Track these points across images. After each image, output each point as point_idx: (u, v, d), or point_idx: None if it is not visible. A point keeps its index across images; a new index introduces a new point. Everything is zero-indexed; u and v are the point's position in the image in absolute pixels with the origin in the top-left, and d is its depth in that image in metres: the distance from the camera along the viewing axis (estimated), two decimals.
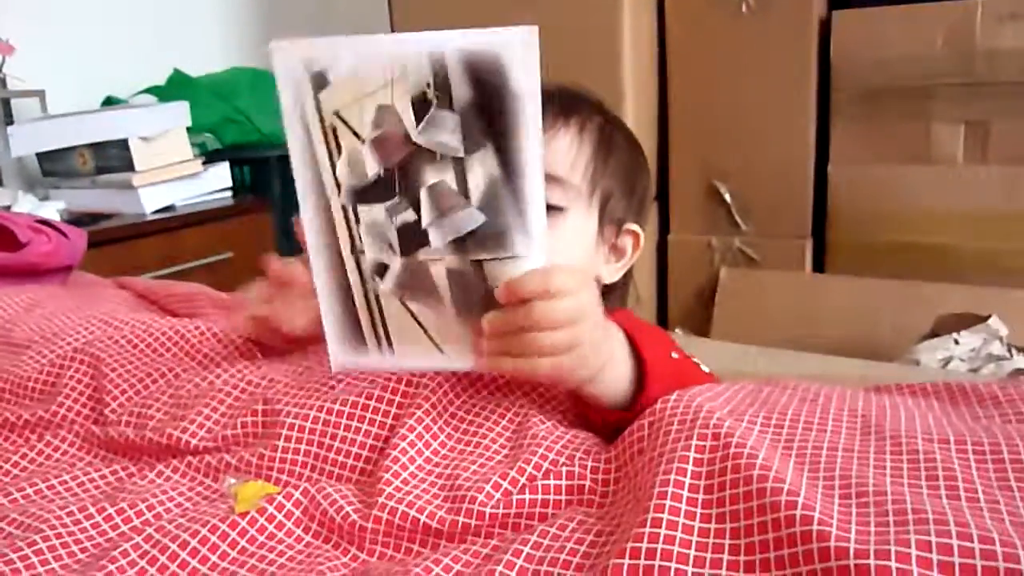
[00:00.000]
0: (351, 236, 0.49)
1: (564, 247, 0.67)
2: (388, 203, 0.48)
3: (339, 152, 0.47)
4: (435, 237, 0.48)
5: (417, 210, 0.47)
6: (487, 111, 0.44)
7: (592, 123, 0.71)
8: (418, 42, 0.44)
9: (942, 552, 0.30)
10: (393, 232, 0.48)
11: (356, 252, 0.50)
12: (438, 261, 0.49)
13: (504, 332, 0.48)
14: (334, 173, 0.48)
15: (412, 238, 0.48)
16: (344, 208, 0.49)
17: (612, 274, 0.74)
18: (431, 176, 0.47)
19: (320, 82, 0.46)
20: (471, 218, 0.47)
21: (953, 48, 1.53)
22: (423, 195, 0.47)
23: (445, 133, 0.45)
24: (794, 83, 1.65)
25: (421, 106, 0.45)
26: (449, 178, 0.47)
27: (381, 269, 0.50)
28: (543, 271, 0.47)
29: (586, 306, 0.49)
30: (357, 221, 0.49)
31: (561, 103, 0.70)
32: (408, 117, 0.45)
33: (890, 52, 1.58)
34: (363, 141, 0.46)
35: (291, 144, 0.48)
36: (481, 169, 0.46)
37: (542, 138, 0.45)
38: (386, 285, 0.50)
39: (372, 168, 0.47)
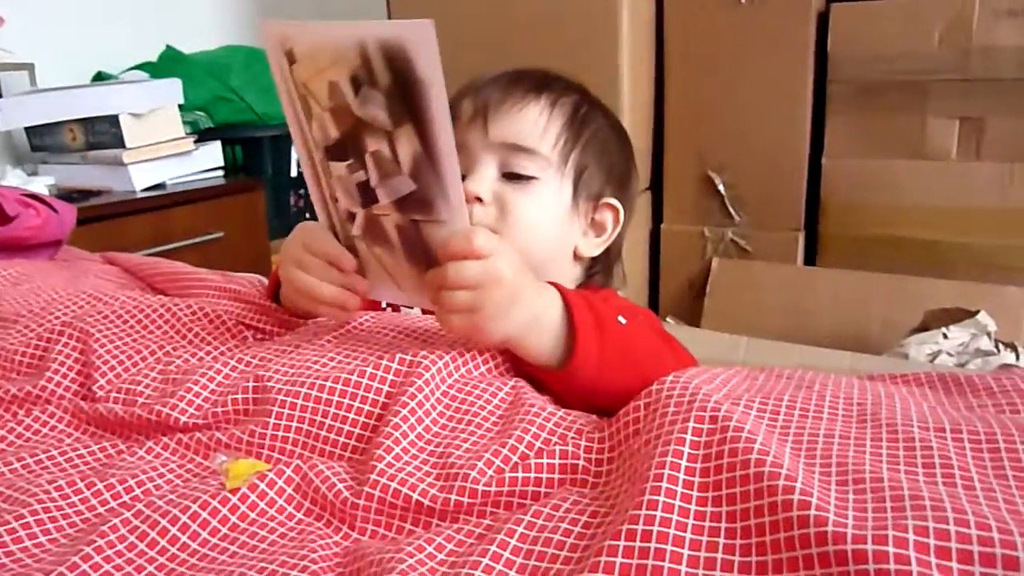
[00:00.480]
0: (328, 186, 0.57)
1: (534, 213, 0.70)
2: (347, 163, 0.54)
3: (311, 116, 0.54)
4: (381, 196, 0.54)
5: (366, 171, 0.54)
6: (403, 93, 0.49)
7: (566, 99, 0.73)
8: (351, 29, 0.50)
9: (939, 538, 0.30)
10: (353, 187, 0.55)
11: (332, 200, 0.57)
12: (387, 216, 0.55)
13: (434, 288, 0.54)
14: (311, 132, 0.55)
15: (367, 194, 0.54)
16: (321, 162, 0.56)
17: (591, 248, 0.76)
18: (371, 144, 0.52)
19: (291, 57, 0.52)
20: (404, 184, 0.53)
21: (950, 44, 1.53)
22: (368, 160, 0.53)
23: (375, 109, 0.51)
24: (790, 75, 1.64)
25: (356, 84, 0.50)
26: (384, 148, 0.52)
27: (351, 216, 0.56)
28: (467, 235, 0.52)
29: (495, 271, 0.52)
30: (328, 174, 0.56)
31: (534, 80, 0.73)
32: (348, 93, 0.51)
33: (887, 46, 1.58)
34: (324, 110, 0.53)
35: (283, 107, 0.56)
36: (407, 143, 0.51)
37: (450, 120, 0.49)
38: (355, 231, 0.57)
39: (333, 132, 0.53)
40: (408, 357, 0.54)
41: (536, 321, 0.54)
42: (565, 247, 0.74)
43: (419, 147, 0.50)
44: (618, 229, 0.76)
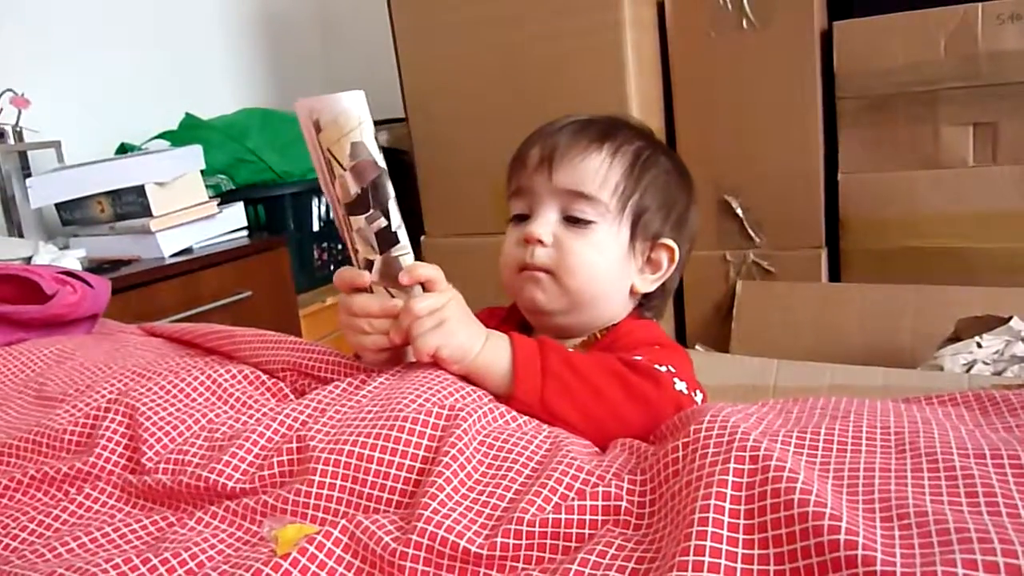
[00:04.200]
0: (351, 239, 0.64)
1: (590, 255, 0.74)
2: (367, 214, 0.62)
3: (334, 177, 0.61)
4: (402, 237, 0.63)
5: (387, 217, 0.62)
6: None
7: (628, 147, 0.77)
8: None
9: (988, 570, 0.30)
10: (372, 236, 0.62)
11: (354, 252, 0.65)
12: (405, 255, 0.63)
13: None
14: (336, 192, 0.62)
15: (386, 239, 0.62)
16: (344, 218, 0.63)
17: (647, 284, 0.79)
18: (392, 190, 0.62)
19: (318, 127, 0.60)
20: None
21: (956, 52, 1.54)
22: (391, 205, 0.62)
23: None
24: (799, 95, 1.66)
25: (377, 141, 0.61)
26: None
27: (369, 264, 0.64)
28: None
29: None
30: (351, 228, 0.63)
31: (599, 129, 0.77)
32: (373, 148, 0.60)
33: (893, 60, 1.59)
34: (345, 169, 0.60)
35: (316, 172, 0.64)
36: None
37: None
38: (372, 277, 0.64)
39: (353, 188, 0.61)
40: (444, 411, 0.55)
41: (488, 357, 0.62)
42: (621, 285, 0.78)
43: None
44: (673, 267, 0.79)
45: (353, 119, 0.59)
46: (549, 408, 0.60)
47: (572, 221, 0.74)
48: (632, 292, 0.79)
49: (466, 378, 0.62)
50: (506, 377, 0.62)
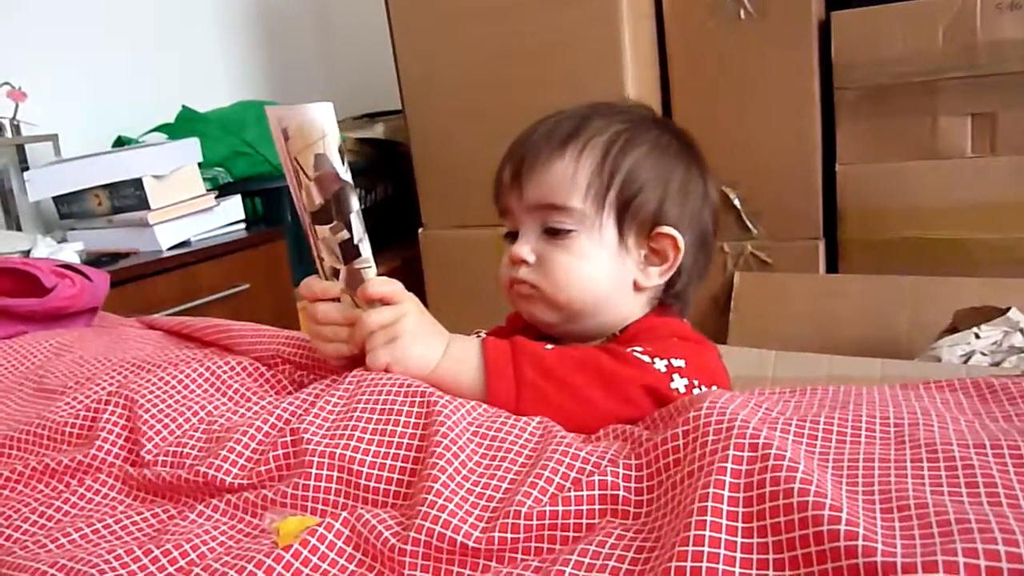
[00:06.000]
0: (316, 247, 0.65)
1: (574, 265, 0.72)
2: (330, 225, 0.62)
3: (301, 185, 0.61)
4: (364, 250, 0.63)
5: (350, 230, 0.62)
6: None
7: (599, 138, 0.73)
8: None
9: (989, 558, 0.30)
10: (336, 247, 0.63)
11: (319, 260, 0.65)
12: (368, 268, 0.64)
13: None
14: (303, 200, 0.62)
15: (349, 252, 0.63)
16: (309, 227, 0.63)
17: (652, 278, 0.74)
18: (356, 204, 0.62)
19: (286, 135, 0.60)
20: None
21: (955, 42, 1.53)
22: (353, 219, 0.61)
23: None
24: (797, 85, 1.65)
25: (343, 153, 0.61)
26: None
27: (335, 273, 0.65)
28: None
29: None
30: (317, 236, 0.63)
31: (564, 131, 0.73)
32: (336, 161, 0.60)
33: (891, 50, 1.59)
34: (310, 179, 0.60)
35: (287, 179, 0.64)
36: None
37: None
38: (340, 285, 0.65)
39: (318, 199, 0.61)
40: (434, 398, 0.55)
41: (451, 368, 0.62)
42: (620, 284, 0.74)
43: None
44: (680, 255, 0.74)
45: (317, 131, 0.59)
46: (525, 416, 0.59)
47: (552, 233, 0.72)
48: (638, 288, 0.74)
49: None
50: (475, 385, 0.61)
